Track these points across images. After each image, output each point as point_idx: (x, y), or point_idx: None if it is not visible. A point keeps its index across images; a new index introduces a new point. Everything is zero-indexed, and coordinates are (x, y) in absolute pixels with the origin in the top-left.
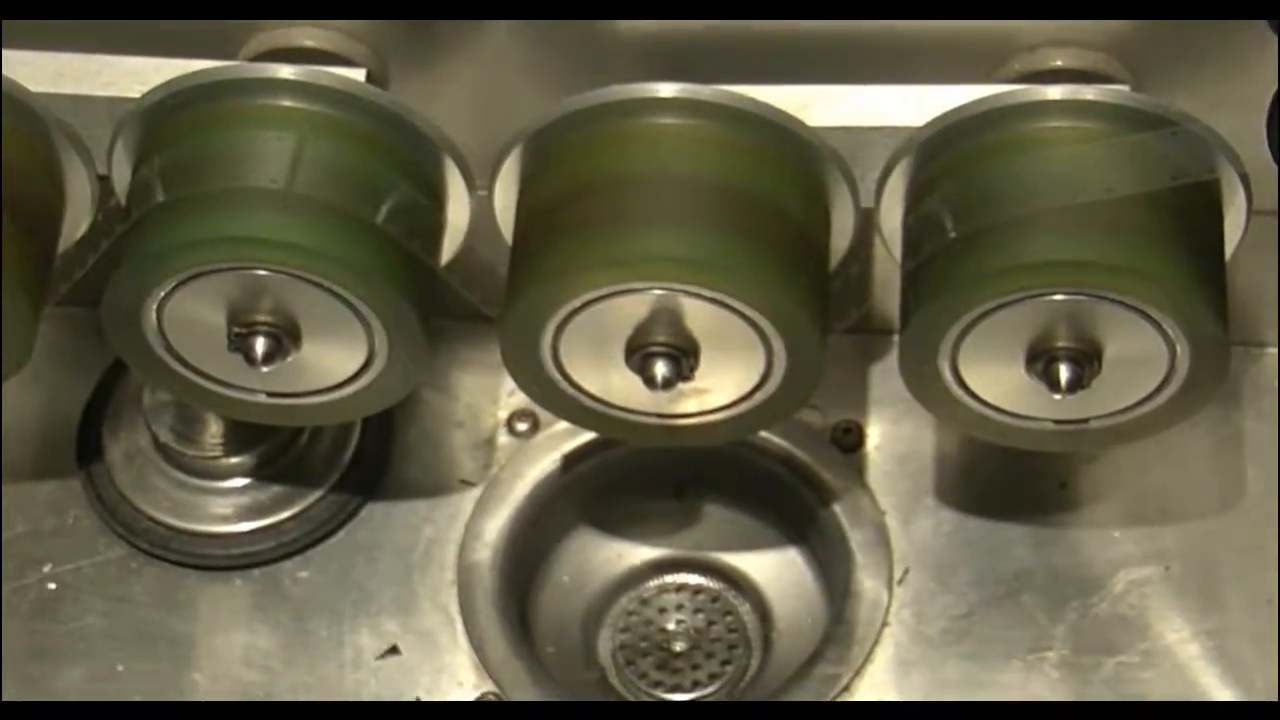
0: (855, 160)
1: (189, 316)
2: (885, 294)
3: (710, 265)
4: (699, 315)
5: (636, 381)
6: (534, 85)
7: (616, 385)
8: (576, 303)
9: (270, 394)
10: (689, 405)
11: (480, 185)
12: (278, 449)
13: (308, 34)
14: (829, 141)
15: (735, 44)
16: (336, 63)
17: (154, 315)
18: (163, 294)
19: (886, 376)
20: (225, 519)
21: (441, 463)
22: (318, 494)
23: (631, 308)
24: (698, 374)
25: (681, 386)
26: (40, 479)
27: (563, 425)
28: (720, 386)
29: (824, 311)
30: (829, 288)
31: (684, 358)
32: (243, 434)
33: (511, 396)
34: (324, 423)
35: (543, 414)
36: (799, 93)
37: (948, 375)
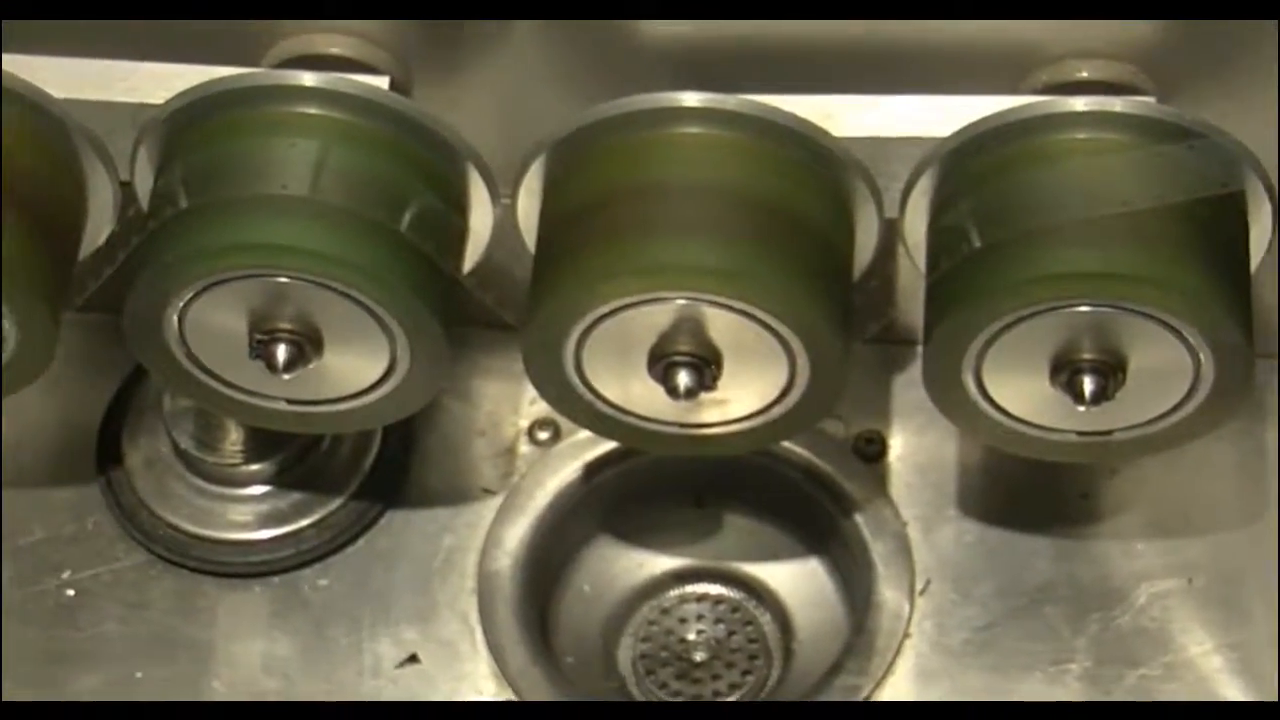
0: (880, 170)
1: (210, 323)
2: (909, 304)
3: (734, 275)
4: (722, 325)
5: (658, 390)
6: (557, 93)
7: (638, 394)
8: (600, 311)
9: (291, 401)
10: (711, 415)
11: (503, 193)
12: (298, 456)
13: (331, 41)
14: (854, 151)
15: (760, 53)
16: (360, 70)
17: (175, 322)
18: (184, 300)
19: (909, 387)
20: (245, 526)
21: (462, 471)
22: (338, 502)
23: (655, 317)
24: (720, 384)
25: (703, 396)
26: (59, 485)
27: (584, 434)
28: (742, 396)
29: (848, 322)
30: (853, 298)
31: (706, 367)
32: (263, 441)
33: (533, 405)
34: (345, 430)
35: (564, 423)
36: (824, 103)
37: (971, 386)
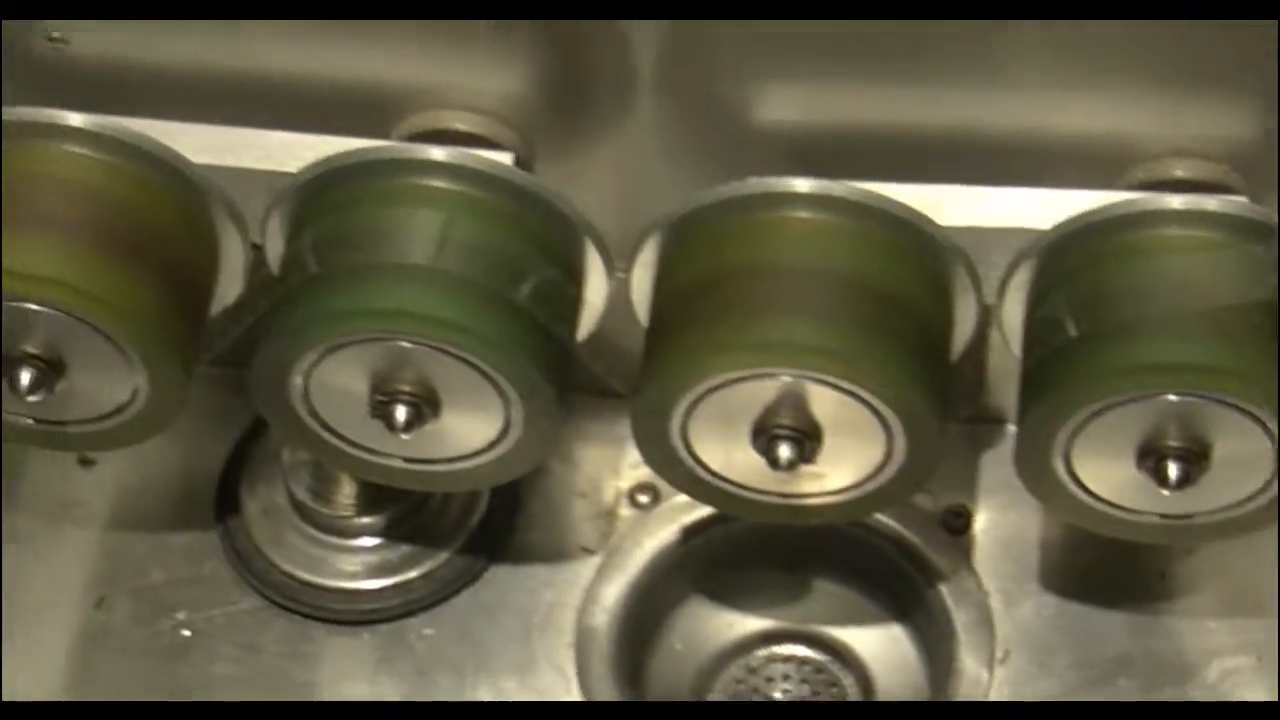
0: (980, 258)
1: (333, 383)
2: (996, 384)
3: (839, 355)
4: (825, 401)
5: (759, 461)
6: (673, 172)
7: (739, 463)
8: (709, 384)
9: (408, 459)
10: (808, 486)
11: (618, 266)
12: (408, 511)
13: (458, 117)
14: (956, 240)
15: (869, 141)
16: (485, 146)
17: (300, 380)
18: (310, 361)
19: (995, 464)
20: (355, 575)
21: (564, 530)
22: (445, 555)
23: (761, 391)
24: (819, 457)
25: (803, 468)
26: (179, 530)
27: (682, 498)
28: (839, 470)
29: (944, 402)
30: (950, 380)
31: (808, 441)
32: (375, 495)
33: (633, 469)
34: (457, 489)
35: (663, 487)
36: (931, 192)
37: (1060, 468)
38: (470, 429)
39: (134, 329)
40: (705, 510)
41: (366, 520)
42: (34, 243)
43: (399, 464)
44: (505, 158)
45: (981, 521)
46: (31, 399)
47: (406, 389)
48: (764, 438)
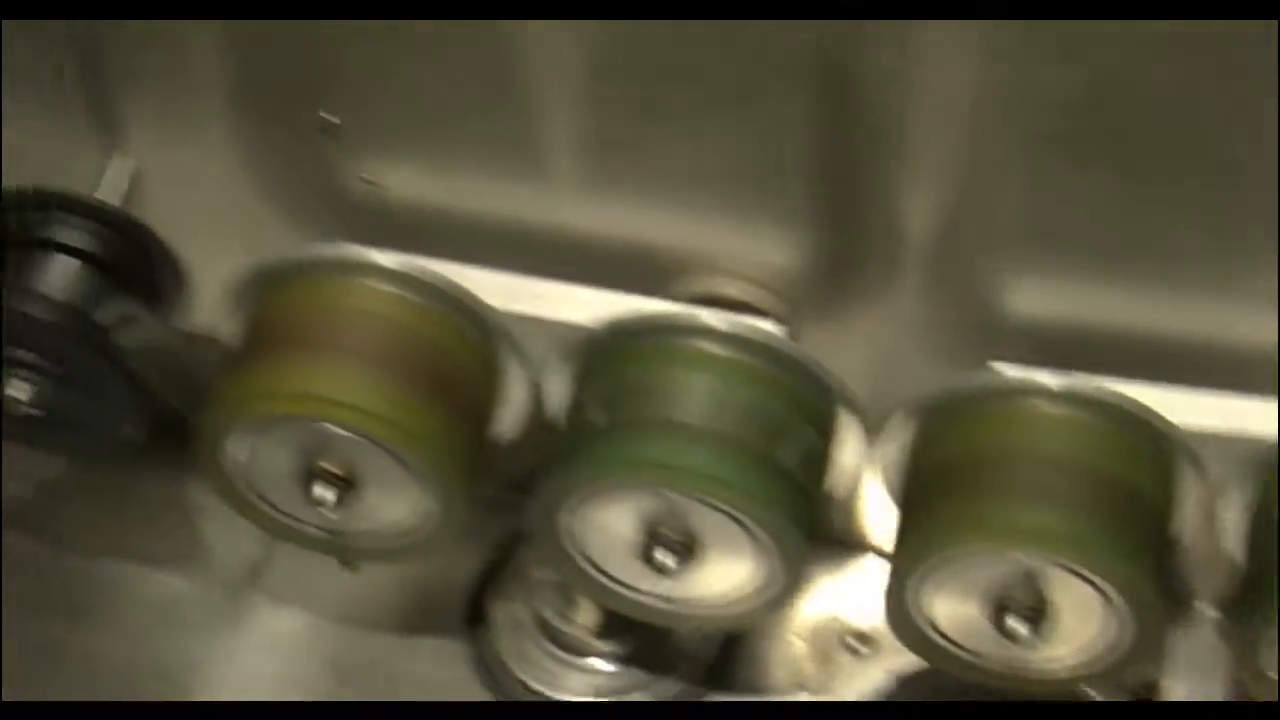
0: (1204, 454)
1: (602, 523)
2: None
3: (1078, 543)
4: (1059, 582)
5: (988, 629)
6: (922, 347)
7: (968, 629)
8: (955, 556)
9: (663, 598)
10: (1030, 656)
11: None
12: (644, 641)
13: (731, 284)
14: (1187, 441)
15: (1110, 339)
16: (753, 313)
17: (571, 518)
18: (583, 501)
19: (1185, 641)
20: (586, 693)
21: (783, 668)
22: (670, 683)
23: (1001, 568)
24: (1048, 633)
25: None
26: (430, 634)
27: (895, 645)
28: (1063, 646)
29: (1171, 591)
30: (1175, 569)
31: (1042, 620)
32: (616, 622)
33: (856, 617)
34: (705, 629)
35: (879, 635)
36: (1164, 393)
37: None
38: (725, 575)
39: (434, 461)
40: (917, 661)
41: (605, 645)
42: (344, 370)
43: (654, 602)
44: (776, 328)
45: (1170, 696)
46: (328, 514)
47: (673, 535)
48: (1000, 612)
